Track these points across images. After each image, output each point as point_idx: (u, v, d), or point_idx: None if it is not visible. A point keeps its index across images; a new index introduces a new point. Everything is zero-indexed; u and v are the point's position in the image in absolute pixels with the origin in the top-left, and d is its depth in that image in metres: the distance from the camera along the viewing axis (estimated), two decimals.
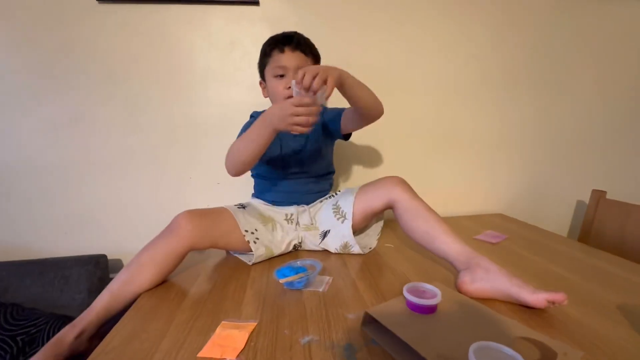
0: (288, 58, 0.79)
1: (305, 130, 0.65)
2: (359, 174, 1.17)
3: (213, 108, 1.04)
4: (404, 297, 0.53)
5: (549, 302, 0.54)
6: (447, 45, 1.13)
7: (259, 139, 0.70)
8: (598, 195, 1.12)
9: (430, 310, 0.51)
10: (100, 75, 0.97)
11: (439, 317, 0.51)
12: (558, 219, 1.37)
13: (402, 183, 0.77)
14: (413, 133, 1.19)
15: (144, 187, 1.04)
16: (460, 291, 0.62)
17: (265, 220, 0.83)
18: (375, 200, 0.79)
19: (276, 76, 0.81)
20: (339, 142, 0.99)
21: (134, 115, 1.00)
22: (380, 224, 0.96)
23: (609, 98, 1.29)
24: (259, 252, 0.77)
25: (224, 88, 1.03)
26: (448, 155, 1.23)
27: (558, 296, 0.53)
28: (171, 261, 0.69)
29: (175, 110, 1.02)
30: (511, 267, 0.64)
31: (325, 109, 0.90)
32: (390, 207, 0.78)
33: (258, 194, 0.93)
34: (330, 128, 0.88)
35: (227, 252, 0.87)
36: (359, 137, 1.14)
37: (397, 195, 0.75)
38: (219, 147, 1.06)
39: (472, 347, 0.38)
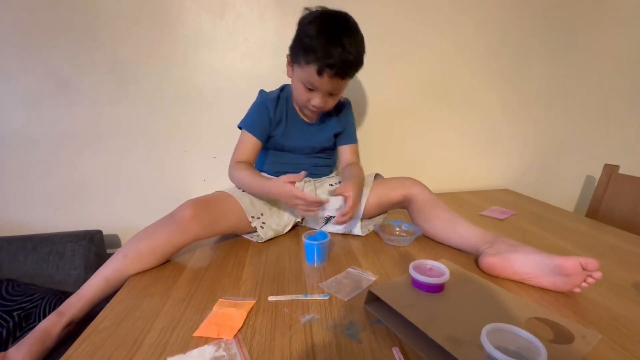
0: (323, 83, 0.71)
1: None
2: (361, 148, 1.11)
3: (205, 76, 0.97)
4: (410, 275, 0.50)
5: (582, 265, 0.50)
6: (458, 10, 1.04)
7: (261, 195, 0.77)
8: (610, 170, 1.07)
9: (438, 289, 0.49)
10: (84, 38, 0.88)
11: (447, 296, 0.48)
12: (565, 194, 1.34)
13: (421, 182, 0.79)
14: (417, 103, 1.12)
15: (137, 161, 0.99)
16: (484, 265, 0.60)
17: (271, 202, 0.81)
18: (394, 192, 0.79)
19: (305, 86, 0.74)
20: None
21: (122, 83, 0.93)
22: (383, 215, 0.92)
23: (633, 66, 1.21)
24: (267, 236, 0.76)
25: (216, 54, 0.96)
26: (453, 127, 1.18)
27: (591, 261, 0.50)
28: (171, 253, 0.67)
29: (165, 78, 0.95)
30: None
31: (347, 121, 0.90)
32: (406, 201, 0.79)
33: (260, 166, 0.88)
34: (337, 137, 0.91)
35: None
36: (361, 108, 1.08)
37: (417, 190, 0.77)
38: (214, 119, 1.00)
39: (485, 329, 0.36)
